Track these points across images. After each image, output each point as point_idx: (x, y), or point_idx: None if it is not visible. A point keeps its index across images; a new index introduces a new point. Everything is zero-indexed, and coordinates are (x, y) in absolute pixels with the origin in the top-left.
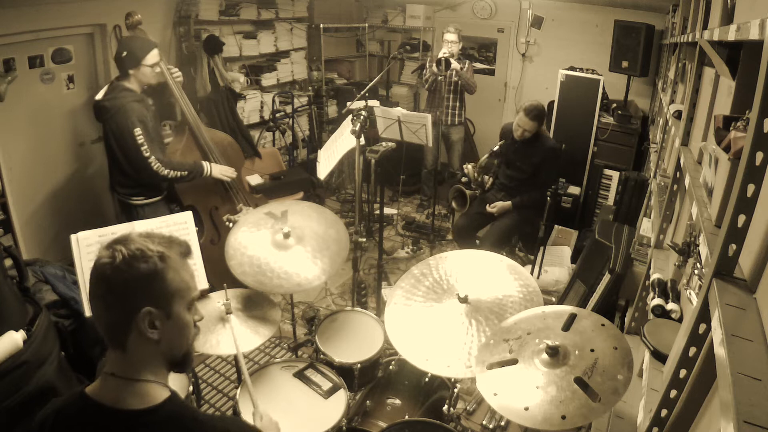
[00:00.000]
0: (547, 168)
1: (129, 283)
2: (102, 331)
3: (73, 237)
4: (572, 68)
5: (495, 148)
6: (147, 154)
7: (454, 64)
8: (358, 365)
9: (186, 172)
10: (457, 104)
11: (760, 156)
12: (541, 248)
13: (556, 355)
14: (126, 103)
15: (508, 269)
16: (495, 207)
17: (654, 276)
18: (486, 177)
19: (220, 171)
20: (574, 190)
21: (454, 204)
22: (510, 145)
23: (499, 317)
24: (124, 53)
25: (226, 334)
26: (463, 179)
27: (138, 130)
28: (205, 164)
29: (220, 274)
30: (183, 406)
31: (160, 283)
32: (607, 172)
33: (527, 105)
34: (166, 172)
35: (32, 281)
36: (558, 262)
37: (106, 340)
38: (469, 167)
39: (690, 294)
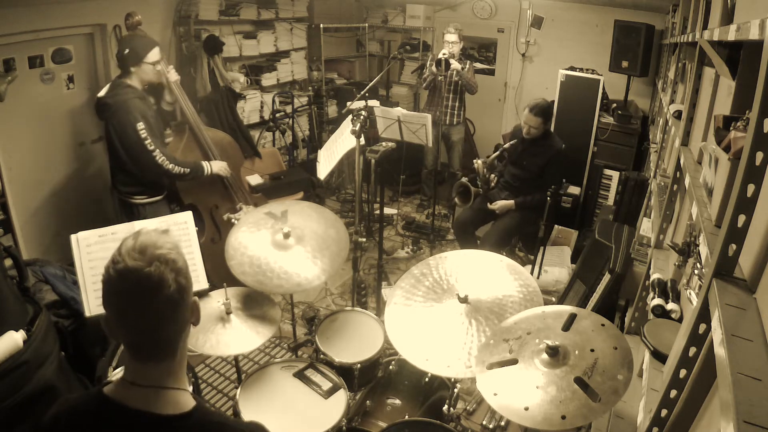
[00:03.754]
0: (552, 169)
1: (183, 292)
2: (148, 344)
3: (73, 237)
4: (572, 68)
5: (506, 146)
6: (151, 148)
7: (455, 65)
8: (358, 365)
9: (188, 170)
10: (457, 104)
11: (760, 156)
12: (541, 248)
13: (556, 355)
14: (128, 99)
15: (508, 269)
16: (496, 205)
17: (654, 276)
18: (492, 175)
19: (219, 167)
20: (574, 190)
21: (456, 199)
22: (518, 145)
23: (499, 317)
24: (126, 50)
25: (226, 334)
26: (464, 179)
27: (141, 125)
28: (205, 164)
29: (221, 274)
30: (211, 413)
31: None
32: (607, 172)
33: (532, 102)
34: (170, 166)
35: (32, 281)
36: (558, 262)
37: (149, 353)
38: (479, 162)
39: (690, 294)
